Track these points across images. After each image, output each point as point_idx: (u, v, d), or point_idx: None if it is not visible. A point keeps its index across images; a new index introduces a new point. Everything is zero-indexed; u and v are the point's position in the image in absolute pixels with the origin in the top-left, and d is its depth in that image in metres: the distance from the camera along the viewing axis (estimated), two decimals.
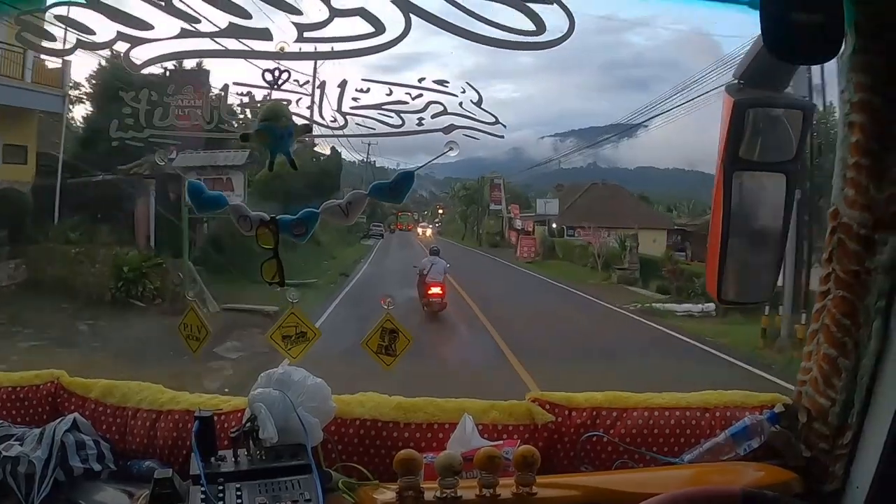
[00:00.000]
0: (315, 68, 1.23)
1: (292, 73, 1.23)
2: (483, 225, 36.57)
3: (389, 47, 1.15)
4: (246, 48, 1.23)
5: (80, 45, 1.34)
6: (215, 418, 1.29)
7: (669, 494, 0.91)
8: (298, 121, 1.21)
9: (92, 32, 1.31)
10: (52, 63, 13.68)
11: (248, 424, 1.22)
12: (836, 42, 1.10)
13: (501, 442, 1.34)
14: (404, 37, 1.15)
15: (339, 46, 1.18)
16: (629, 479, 1.31)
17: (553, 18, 1.11)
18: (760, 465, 1.32)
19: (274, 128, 1.16)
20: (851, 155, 1.24)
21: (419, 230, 38.72)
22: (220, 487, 1.16)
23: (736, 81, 1.32)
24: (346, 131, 1.22)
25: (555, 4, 1.08)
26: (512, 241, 31.98)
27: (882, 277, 1.22)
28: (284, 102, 1.21)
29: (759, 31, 1.09)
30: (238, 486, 1.17)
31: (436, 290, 11.25)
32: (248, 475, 1.19)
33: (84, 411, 1.46)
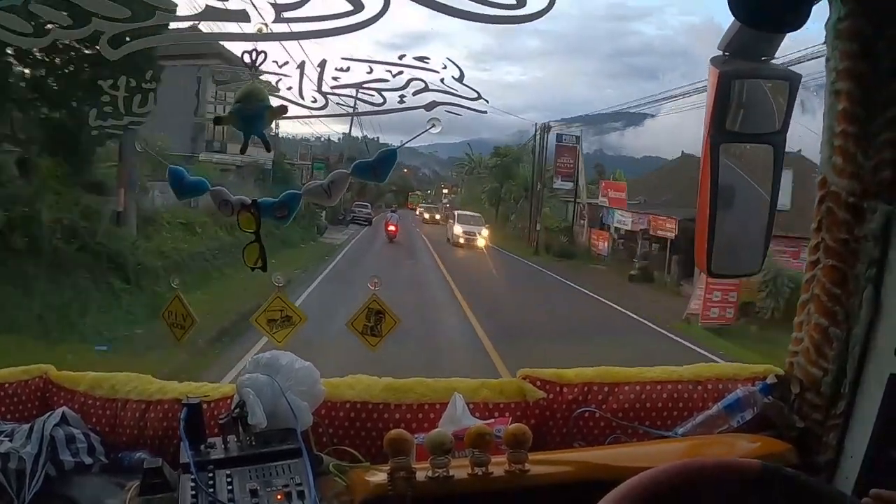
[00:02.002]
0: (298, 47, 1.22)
1: (280, 54, 1.22)
2: (539, 216, 20.59)
3: (368, 25, 1.14)
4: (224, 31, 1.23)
5: (56, 34, 1.32)
6: (204, 406, 1.28)
7: (682, 462, 0.88)
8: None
9: (68, 20, 1.30)
10: None
11: (237, 410, 1.21)
12: (803, 8, 1.10)
13: (493, 420, 1.33)
14: (383, 14, 1.13)
15: (317, 26, 1.17)
16: (622, 453, 1.31)
17: None
18: (754, 437, 1.31)
19: (244, 109, 1.15)
20: (838, 123, 1.23)
21: (458, 230, 21.17)
22: (211, 474, 1.15)
23: (721, 53, 1.31)
24: (328, 111, 1.21)
25: None
26: (598, 248, 18.53)
27: (871, 245, 1.22)
28: (262, 85, 1.20)
29: None
30: (228, 472, 1.16)
31: (392, 228, 19.94)
32: (238, 461, 1.18)
33: (73, 405, 1.45)
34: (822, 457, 1.29)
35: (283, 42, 1.20)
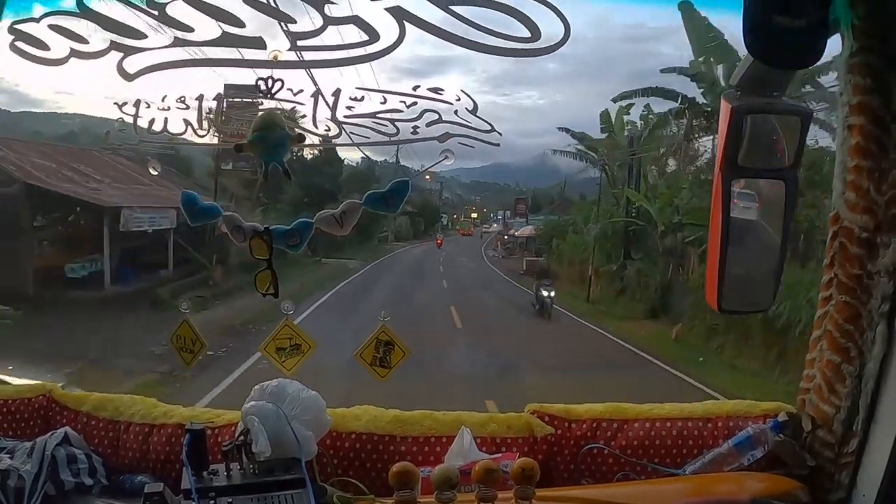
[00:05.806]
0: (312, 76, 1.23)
1: (294, 82, 1.23)
2: None
3: (383, 55, 1.15)
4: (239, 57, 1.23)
5: (74, 54, 1.33)
6: (208, 432, 1.27)
7: None
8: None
9: (85, 41, 1.31)
10: None
11: (241, 438, 1.19)
12: (818, 45, 1.10)
13: (500, 455, 1.31)
14: (398, 44, 1.14)
15: (332, 55, 1.17)
16: (631, 491, 1.28)
17: (549, 25, 1.10)
18: (765, 476, 1.29)
19: (267, 137, 1.15)
20: (851, 158, 1.23)
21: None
22: (212, 502, 1.14)
23: (733, 89, 1.31)
24: (340, 140, 1.21)
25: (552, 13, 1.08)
26: None
27: (885, 281, 1.21)
28: (279, 111, 1.20)
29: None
30: (230, 500, 1.14)
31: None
32: (241, 489, 1.16)
33: (76, 425, 1.44)
34: (834, 495, 1.26)
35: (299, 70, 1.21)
